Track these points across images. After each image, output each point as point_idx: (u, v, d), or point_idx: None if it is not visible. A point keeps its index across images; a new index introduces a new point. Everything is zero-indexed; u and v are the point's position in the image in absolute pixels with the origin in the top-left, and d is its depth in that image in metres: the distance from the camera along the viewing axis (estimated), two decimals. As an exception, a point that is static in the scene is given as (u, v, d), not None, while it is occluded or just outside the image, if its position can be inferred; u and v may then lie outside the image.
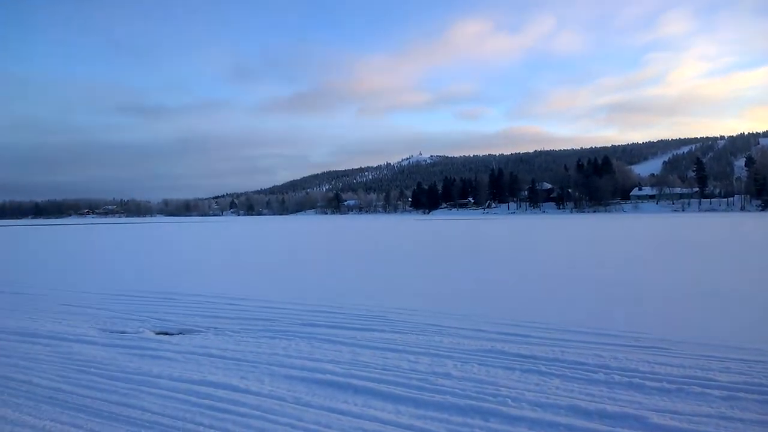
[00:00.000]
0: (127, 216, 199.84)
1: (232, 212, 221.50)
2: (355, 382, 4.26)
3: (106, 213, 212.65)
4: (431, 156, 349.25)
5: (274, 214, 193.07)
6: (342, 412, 3.66)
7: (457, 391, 4.01)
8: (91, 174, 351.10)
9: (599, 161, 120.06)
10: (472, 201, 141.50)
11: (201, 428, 3.41)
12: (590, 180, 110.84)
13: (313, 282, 10.82)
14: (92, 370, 4.71)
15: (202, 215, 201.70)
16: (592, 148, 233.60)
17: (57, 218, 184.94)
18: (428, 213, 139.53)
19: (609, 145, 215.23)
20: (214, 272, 13.21)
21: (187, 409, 3.72)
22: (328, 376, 4.40)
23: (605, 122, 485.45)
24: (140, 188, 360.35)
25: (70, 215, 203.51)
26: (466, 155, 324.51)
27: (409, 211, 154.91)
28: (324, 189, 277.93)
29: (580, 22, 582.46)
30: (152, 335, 6.13)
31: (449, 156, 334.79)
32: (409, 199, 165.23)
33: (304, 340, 5.76)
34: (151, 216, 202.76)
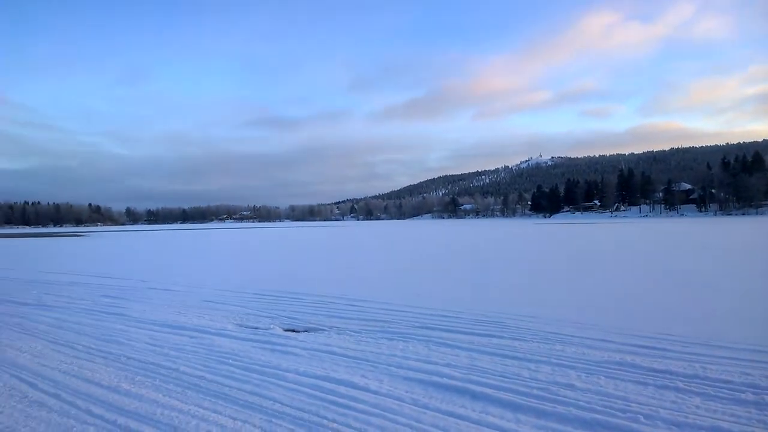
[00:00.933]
0: (259, 221, 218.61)
1: (351, 217, 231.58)
2: (472, 387, 4.28)
3: (241, 218, 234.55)
4: (552, 158, 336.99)
5: (391, 219, 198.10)
6: (460, 417, 3.72)
7: (581, 403, 3.85)
8: (228, 182, 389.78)
9: (748, 158, 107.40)
10: (598, 204, 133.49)
11: (325, 421, 3.68)
12: (738, 179, 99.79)
13: (430, 285, 10.95)
14: (230, 361, 5.29)
15: (324, 220, 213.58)
16: (739, 143, 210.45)
17: (200, 223, 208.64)
18: (549, 217, 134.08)
19: (761, 140, 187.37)
20: (335, 274, 13.94)
21: (312, 403, 4.04)
22: (445, 380, 4.48)
23: (755, 114, 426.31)
24: (270, 195, 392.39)
25: (211, 220, 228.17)
26: (591, 156, 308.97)
27: (529, 215, 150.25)
28: (440, 193, 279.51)
29: (723, 4, 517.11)
30: (281, 332, 6.69)
31: (571, 157, 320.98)
32: (529, 203, 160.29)
33: (421, 342, 5.90)
34: (280, 221, 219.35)
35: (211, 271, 15.20)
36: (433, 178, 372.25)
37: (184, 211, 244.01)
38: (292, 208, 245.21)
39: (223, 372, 4.91)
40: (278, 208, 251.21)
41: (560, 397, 4.00)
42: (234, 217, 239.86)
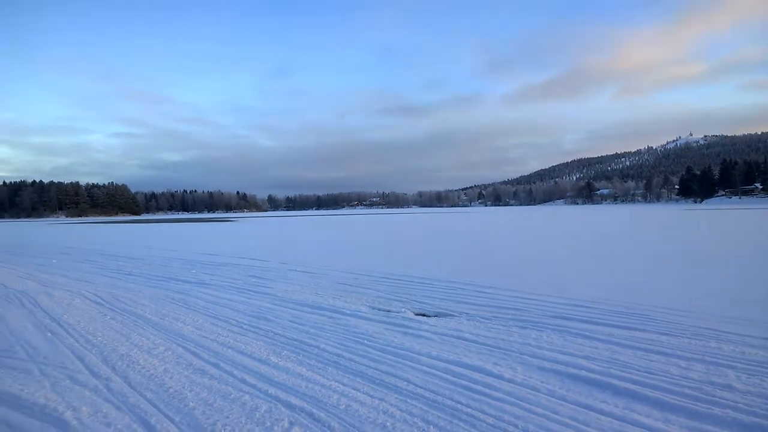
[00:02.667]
0: (387, 207, 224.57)
1: (479, 203, 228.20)
2: (614, 382, 3.99)
3: (371, 204, 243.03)
4: (704, 136, 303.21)
5: (520, 205, 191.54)
6: (601, 412, 3.49)
7: (741, 406, 3.44)
8: (359, 170, 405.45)
9: None
10: (760, 187, 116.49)
11: (459, 406, 3.67)
12: None
13: (563, 274, 10.40)
14: (365, 341, 5.49)
15: (451, 206, 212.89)
16: None
17: (333, 209, 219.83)
18: (700, 202, 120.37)
19: None
20: (463, 260, 13.83)
21: (446, 387, 4.04)
22: (584, 373, 4.23)
23: None
24: (399, 181, 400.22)
25: (343, 206, 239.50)
26: (751, 133, 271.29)
27: (676, 200, 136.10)
28: (574, 178, 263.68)
29: None
30: (412, 315, 6.80)
31: (728, 135, 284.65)
32: (676, 187, 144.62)
33: (555, 332, 5.63)
34: (408, 207, 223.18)
35: (344, 255, 15.91)
36: (567, 162, 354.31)
37: (318, 197, 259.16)
38: (420, 195, 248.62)
39: (359, 351, 5.11)
40: (406, 194, 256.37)
41: (716, 398, 3.63)
42: (364, 203, 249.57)
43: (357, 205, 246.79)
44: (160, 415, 3.62)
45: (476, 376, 4.26)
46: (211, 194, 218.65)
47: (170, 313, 7.21)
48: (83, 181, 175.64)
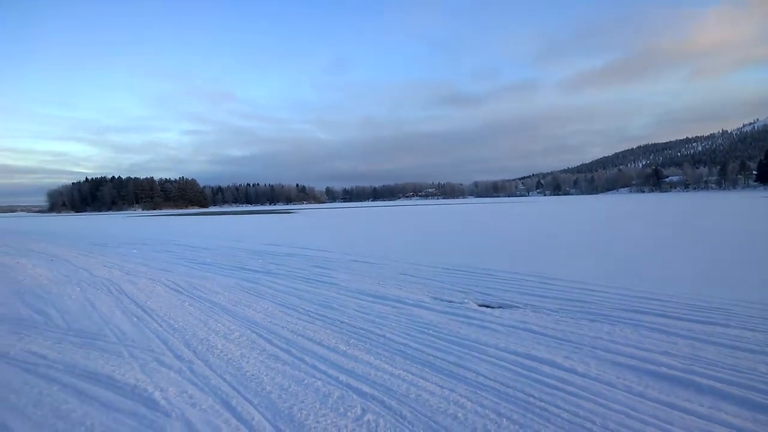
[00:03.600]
0: (443, 197, 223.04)
1: (537, 192, 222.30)
2: (698, 379, 3.81)
3: (426, 195, 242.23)
4: None
5: (581, 194, 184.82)
6: (685, 410, 3.35)
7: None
8: (414, 161, 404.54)
9: None
10: None
11: (531, 399, 3.62)
12: None
13: (632, 265, 9.97)
14: (431, 331, 5.51)
15: (508, 196, 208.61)
16: None
17: (389, 200, 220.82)
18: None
19: None
20: (525, 251, 13.53)
21: (515, 379, 4.00)
22: (663, 369, 4.06)
23: None
24: (454, 172, 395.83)
25: (399, 197, 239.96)
26: None
27: (754, 187, 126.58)
28: (640, 165, 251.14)
29: None
30: (475, 306, 6.75)
31: None
32: (754, 172, 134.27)
33: (629, 326, 5.43)
34: (463, 197, 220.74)
35: (403, 246, 15.95)
36: (632, 148, 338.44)
37: (374, 189, 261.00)
38: (476, 185, 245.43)
39: (425, 341, 5.14)
40: (462, 184, 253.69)
41: (812, 400, 3.37)
42: (419, 194, 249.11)
43: (413, 196, 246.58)
44: (240, 398, 3.79)
45: (546, 369, 4.19)
46: (272, 187, 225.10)
47: (242, 301, 7.50)
48: (157, 176, 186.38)
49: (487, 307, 6.74)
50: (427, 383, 4.00)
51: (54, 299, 7.45)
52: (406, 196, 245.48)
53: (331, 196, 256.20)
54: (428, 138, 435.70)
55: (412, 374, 4.22)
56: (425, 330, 5.58)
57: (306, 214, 58.88)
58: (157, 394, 3.85)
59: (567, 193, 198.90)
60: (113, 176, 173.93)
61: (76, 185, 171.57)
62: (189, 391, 3.93)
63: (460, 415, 3.41)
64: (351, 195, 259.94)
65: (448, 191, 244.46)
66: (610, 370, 4.14)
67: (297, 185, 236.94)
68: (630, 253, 11.90)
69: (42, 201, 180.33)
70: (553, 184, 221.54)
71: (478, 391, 3.79)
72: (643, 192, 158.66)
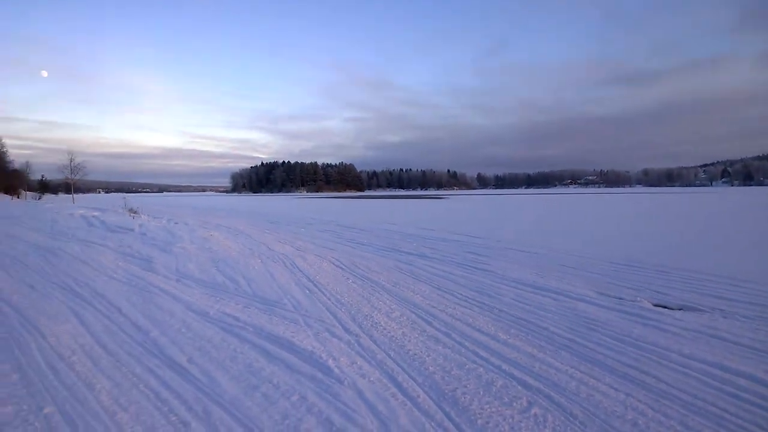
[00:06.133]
0: (605, 186, 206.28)
1: (723, 182, 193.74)
2: None
3: (586, 183, 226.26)
4: None
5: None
6: None
7: None
8: (574, 147, 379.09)
9: None
10: None
11: (727, 415, 3.16)
12: None
13: None
14: (598, 328, 5.10)
15: (686, 185, 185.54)
16: None
17: (544, 188, 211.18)
18: None
19: None
20: (710, 247, 11.92)
21: (706, 391, 3.52)
22: None
23: None
24: (619, 158, 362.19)
25: (555, 185, 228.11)
26: None
27: None
28: None
29: None
30: (650, 306, 6.10)
31: None
32: None
33: None
34: (630, 186, 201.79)
35: (561, 236, 15.12)
36: None
37: (528, 176, 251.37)
38: (645, 172, 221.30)
39: (593, 338, 4.78)
40: (628, 172, 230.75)
41: None
42: (578, 181, 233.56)
43: (570, 183, 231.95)
44: (404, 375, 3.89)
45: (743, 382, 3.63)
46: (423, 172, 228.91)
47: (400, 282, 7.71)
48: (320, 161, 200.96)
49: (664, 307, 6.06)
50: (599, 383, 3.71)
51: (241, 269, 8.39)
52: (563, 184, 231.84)
53: (482, 182, 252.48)
54: (592, 121, 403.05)
55: (581, 372, 3.94)
56: (592, 326, 5.19)
57: (457, 200, 58.83)
58: (330, 362, 4.10)
59: (761, 184, 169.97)
60: (284, 161, 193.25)
61: (254, 169, 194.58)
62: (358, 363, 4.13)
63: (640, 422, 3.09)
64: (503, 182, 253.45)
65: (611, 179, 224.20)
66: (832, 394, 3.44)
67: (448, 171, 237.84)
68: None
69: (226, 182, 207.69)
70: (743, 173, 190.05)
71: (661, 399, 3.40)
72: None
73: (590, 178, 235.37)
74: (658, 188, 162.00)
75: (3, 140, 64.48)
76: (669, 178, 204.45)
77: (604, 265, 9.20)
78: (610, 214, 27.19)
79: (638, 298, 6.39)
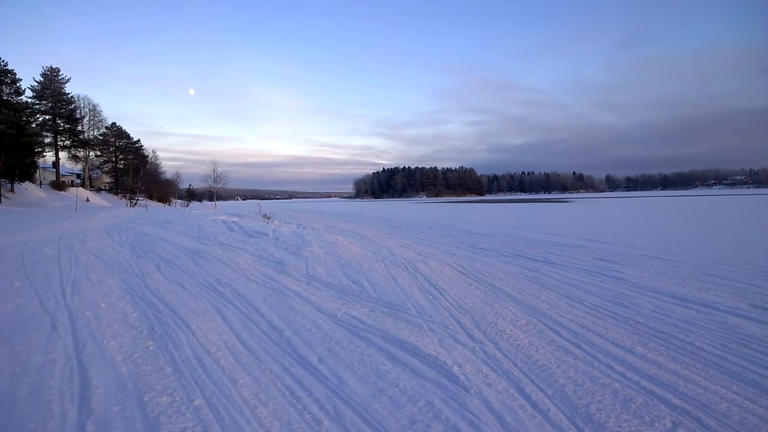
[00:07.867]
0: (756, 187, 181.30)
1: None
2: None
3: (733, 184, 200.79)
4: None
5: None
6: None
7: None
8: (719, 144, 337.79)
9: None
10: None
11: None
12: None
13: None
14: (755, 346, 4.56)
15: None
16: None
17: (683, 189, 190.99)
18: None
19: None
20: None
21: None
22: None
23: None
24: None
25: (696, 186, 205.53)
26: None
27: None
28: None
29: None
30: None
31: None
32: None
33: None
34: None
35: (704, 242, 13.65)
36: None
37: (664, 176, 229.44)
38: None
39: (748, 357, 4.30)
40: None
41: None
42: (724, 182, 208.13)
43: (714, 184, 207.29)
44: (532, 386, 3.80)
45: None
46: (547, 175, 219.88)
47: (525, 289, 7.50)
48: (440, 166, 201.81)
49: (839, 325, 5.22)
50: (755, 405, 3.34)
51: (365, 272, 8.73)
52: (706, 185, 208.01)
53: (611, 184, 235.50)
54: (743, 115, 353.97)
55: (734, 393, 3.57)
56: (747, 343, 4.66)
57: (583, 204, 55.56)
58: (455, 369, 4.14)
59: None
60: (404, 166, 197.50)
61: (376, 175, 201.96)
62: (483, 371, 4.11)
63: (810, 455, 2.72)
64: (635, 183, 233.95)
65: (763, 179, 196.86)
66: None
67: (574, 173, 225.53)
68: None
69: (349, 188, 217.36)
70: None
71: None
72: None
73: (738, 177, 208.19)
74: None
75: (158, 153, 74.26)
76: None
77: (755, 274, 8.16)
78: (761, 217, 23.91)
79: (805, 314, 5.58)
